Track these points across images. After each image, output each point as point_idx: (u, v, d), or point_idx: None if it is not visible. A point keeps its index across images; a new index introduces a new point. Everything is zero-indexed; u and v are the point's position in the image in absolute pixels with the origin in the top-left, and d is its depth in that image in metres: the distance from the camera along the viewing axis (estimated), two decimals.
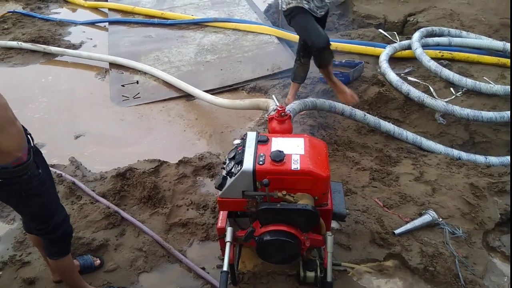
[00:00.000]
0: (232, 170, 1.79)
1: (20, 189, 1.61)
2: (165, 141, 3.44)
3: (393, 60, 3.97)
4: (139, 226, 2.50)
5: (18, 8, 6.12)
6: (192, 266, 2.26)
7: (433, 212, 2.39)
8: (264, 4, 6.04)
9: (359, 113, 3.20)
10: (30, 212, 1.74)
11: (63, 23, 5.58)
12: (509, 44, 3.80)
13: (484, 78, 3.63)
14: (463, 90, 3.48)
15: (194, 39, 4.93)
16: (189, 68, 4.40)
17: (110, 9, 5.94)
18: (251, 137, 1.89)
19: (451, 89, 3.54)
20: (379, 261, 2.23)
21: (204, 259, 2.33)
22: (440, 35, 4.17)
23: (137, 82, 4.23)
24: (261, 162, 1.74)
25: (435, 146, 3.10)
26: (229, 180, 1.79)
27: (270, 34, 4.82)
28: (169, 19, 5.38)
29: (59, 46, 4.91)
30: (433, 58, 3.71)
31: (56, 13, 6.14)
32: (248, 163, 1.74)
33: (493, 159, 2.97)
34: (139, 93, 4.07)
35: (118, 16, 5.69)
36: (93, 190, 2.79)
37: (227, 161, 1.88)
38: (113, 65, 4.49)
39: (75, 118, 3.78)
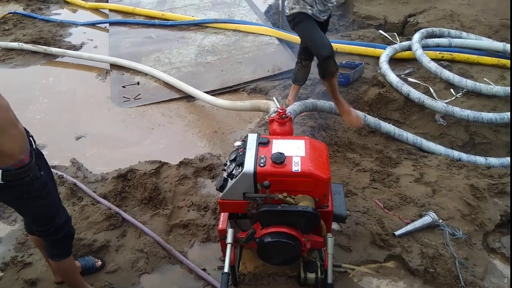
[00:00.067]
0: (233, 172, 1.80)
1: (22, 191, 1.61)
2: (166, 142, 3.45)
3: (393, 61, 3.97)
4: (140, 227, 2.51)
5: (19, 9, 6.13)
6: (193, 267, 2.26)
7: (433, 214, 2.39)
8: (265, 5, 6.05)
9: (359, 114, 3.21)
10: (32, 214, 1.75)
11: (64, 24, 5.59)
12: (509, 45, 3.80)
13: (484, 79, 3.63)
14: (463, 91, 3.49)
15: (195, 40, 4.94)
16: (190, 69, 4.41)
17: (110, 10, 5.95)
18: (252, 139, 1.90)
19: (451, 90, 3.54)
20: (379, 262, 2.23)
21: (205, 260, 2.34)
22: (440, 36, 4.17)
23: (138, 83, 4.24)
24: (262, 164, 1.74)
25: (435, 147, 3.11)
26: (230, 182, 1.80)
27: (270, 35, 4.83)
28: (170, 20, 5.38)
29: (59, 47, 4.91)
30: (433, 59, 3.71)
31: (57, 14, 6.14)
32: (249, 165, 1.75)
33: (493, 160, 2.97)
34: (139, 94, 4.08)
35: (118, 17, 5.70)
36: (94, 191, 2.80)
37: (228, 163, 1.89)
38: (114, 66, 4.50)
39: (76, 119, 3.78)
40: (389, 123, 3.30)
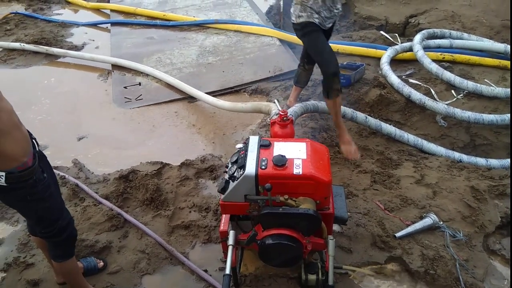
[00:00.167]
0: (235, 174, 1.81)
1: (25, 193, 1.62)
2: (167, 143, 3.46)
3: (395, 62, 3.98)
4: (142, 228, 2.52)
5: (21, 9, 6.15)
6: (195, 268, 2.27)
7: (434, 215, 2.40)
8: (266, 5, 6.06)
9: (360, 115, 3.22)
10: (36, 216, 1.76)
11: (65, 24, 5.61)
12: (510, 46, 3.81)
13: (485, 80, 3.63)
14: (464, 93, 3.49)
15: (196, 41, 4.95)
16: (191, 70, 4.42)
17: (112, 10, 5.96)
18: (254, 141, 1.91)
19: (452, 91, 3.54)
20: (380, 264, 2.24)
21: (206, 261, 2.35)
22: (442, 37, 4.18)
23: (139, 84, 4.25)
24: (263, 167, 1.75)
25: (436, 149, 3.11)
26: (232, 184, 1.81)
27: (271, 36, 4.83)
28: (171, 20, 5.40)
29: (61, 48, 4.93)
30: (434, 60, 3.71)
31: (58, 14, 6.16)
32: (250, 168, 1.75)
33: (494, 162, 2.98)
34: (141, 94, 4.09)
35: (120, 18, 5.71)
36: (96, 192, 2.81)
37: (230, 165, 1.90)
38: (116, 66, 4.51)
39: (78, 119, 3.80)
40: (390, 124, 3.30)
